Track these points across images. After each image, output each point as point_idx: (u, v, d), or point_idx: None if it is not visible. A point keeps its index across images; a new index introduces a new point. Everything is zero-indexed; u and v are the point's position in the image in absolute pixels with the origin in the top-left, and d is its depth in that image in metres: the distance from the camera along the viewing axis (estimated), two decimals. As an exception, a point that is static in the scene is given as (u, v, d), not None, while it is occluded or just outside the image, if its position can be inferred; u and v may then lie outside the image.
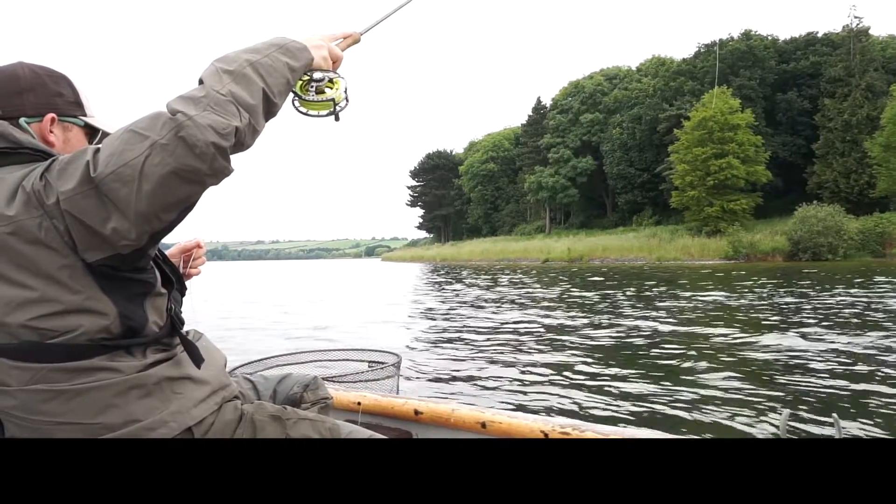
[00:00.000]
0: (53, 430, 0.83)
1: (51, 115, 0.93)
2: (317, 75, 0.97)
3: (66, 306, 0.81)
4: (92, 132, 1.01)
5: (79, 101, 0.98)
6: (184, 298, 1.08)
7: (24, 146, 0.86)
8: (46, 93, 0.94)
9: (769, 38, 41.33)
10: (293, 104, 0.98)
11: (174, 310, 0.96)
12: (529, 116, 57.04)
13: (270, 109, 0.86)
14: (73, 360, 0.82)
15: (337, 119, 1.00)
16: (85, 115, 0.99)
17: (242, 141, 0.81)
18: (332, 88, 0.99)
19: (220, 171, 0.78)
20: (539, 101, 56.74)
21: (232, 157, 0.80)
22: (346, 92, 0.99)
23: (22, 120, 0.91)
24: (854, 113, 32.73)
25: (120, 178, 0.74)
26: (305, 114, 0.99)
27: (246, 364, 1.85)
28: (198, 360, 0.95)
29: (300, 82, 0.97)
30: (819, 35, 40.61)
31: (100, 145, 0.79)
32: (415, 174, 74.82)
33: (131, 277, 0.87)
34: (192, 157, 0.75)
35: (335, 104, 0.98)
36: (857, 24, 35.84)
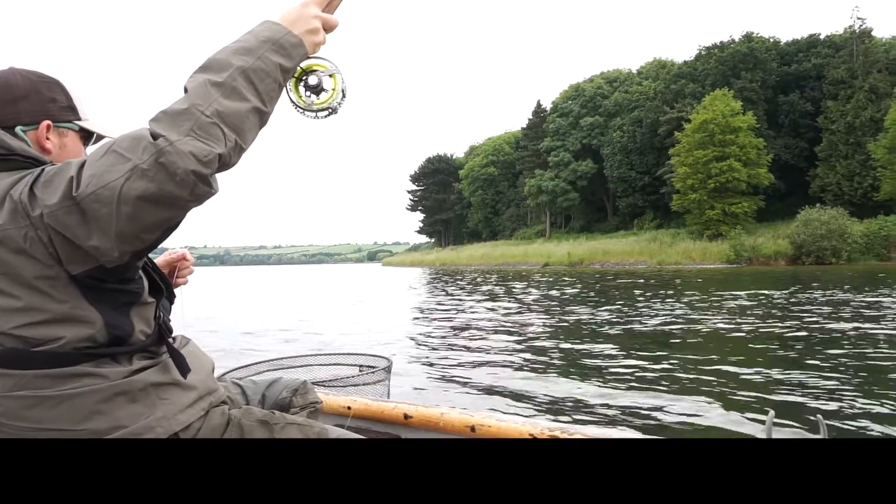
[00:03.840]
0: (38, 437, 0.82)
1: (46, 122, 0.93)
2: (311, 80, 0.91)
3: (51, 315, 0.81)
4: (87, 135, 1.01)
5: (72, 105, 0.98)
6: (172, 306, 1.08)
7: (15, 152, 0.86)
8: (40, 99, 0.93)
9: (771, 39, 41.33)
10: (287, 97, 0.91)
11: (162, 318, 0.96)
12: (529, 120, 57.12)
13: (262, 120, 0.82)
14: (58, 366, 0.81)
15: (334, 112, 0.94)
16: (79, 119, 0.99)
17: (227, 163, 0.78)
18: (329, 79, 0.92)
19: (201, 196, 0.76)
20: (539, 105, 56.84)
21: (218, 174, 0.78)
22: (343, 91, 0.93)
23: (18, 128, 0.91)
24: (857, 115, 32.65)
25: (100, 200, 0.73)
26: (303, 113, 0.93)
27: (235, 369, 1.84)
28: (184, 369, 0.94)
29: (292, 79, 0.91)
30: (821, 37, 40.57)
31: (86, 159, 0.78)
32: (415, 178, 74.91)
33: (117, 288, 0.86)
34: (171, 184, 0.73)
35: (330, 108, 0.93)
36: (860, 26, 35.86)
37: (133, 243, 0.77)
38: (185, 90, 0.79)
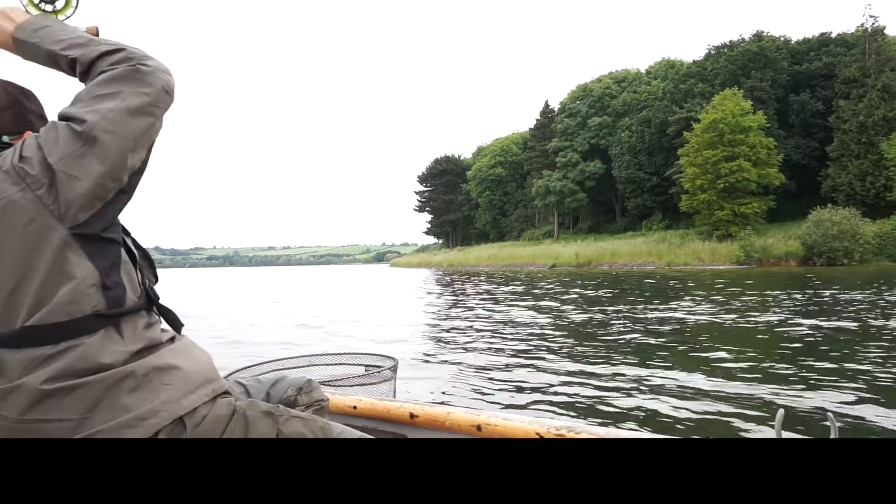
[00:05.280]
0: (44, 427, 0.84)
1: (28, 132, 1.00)
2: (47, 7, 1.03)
3: (51, 277, 0.84)
4: None
5: (44, 114, 1.05)
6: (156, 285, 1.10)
7: None
8: (23, 110, 1.02)
9: (781, 38, 40.92)
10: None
11: (148, 284, 1.00)
12: (537, 120, 56.96)
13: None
14: (65, 339, 0.84)
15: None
16: None
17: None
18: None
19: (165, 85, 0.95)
20: (547, 105, 56.68)
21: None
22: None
23: (4, 137, 0.99)
24: (870, 114, 32.20)
25: (106, 121, 0.85)
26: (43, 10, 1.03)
27: (239, 370, 1.84)
28: (177, 325, 1.00)
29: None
30: (833, 35, 40.09)
31: (54, 119, 0.88)
32: (423, 179, 74.96)
33: (109, 238, 0.90)
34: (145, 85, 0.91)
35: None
36: (873, 24, 35.38)
37: (131, 159, 0.88)
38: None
